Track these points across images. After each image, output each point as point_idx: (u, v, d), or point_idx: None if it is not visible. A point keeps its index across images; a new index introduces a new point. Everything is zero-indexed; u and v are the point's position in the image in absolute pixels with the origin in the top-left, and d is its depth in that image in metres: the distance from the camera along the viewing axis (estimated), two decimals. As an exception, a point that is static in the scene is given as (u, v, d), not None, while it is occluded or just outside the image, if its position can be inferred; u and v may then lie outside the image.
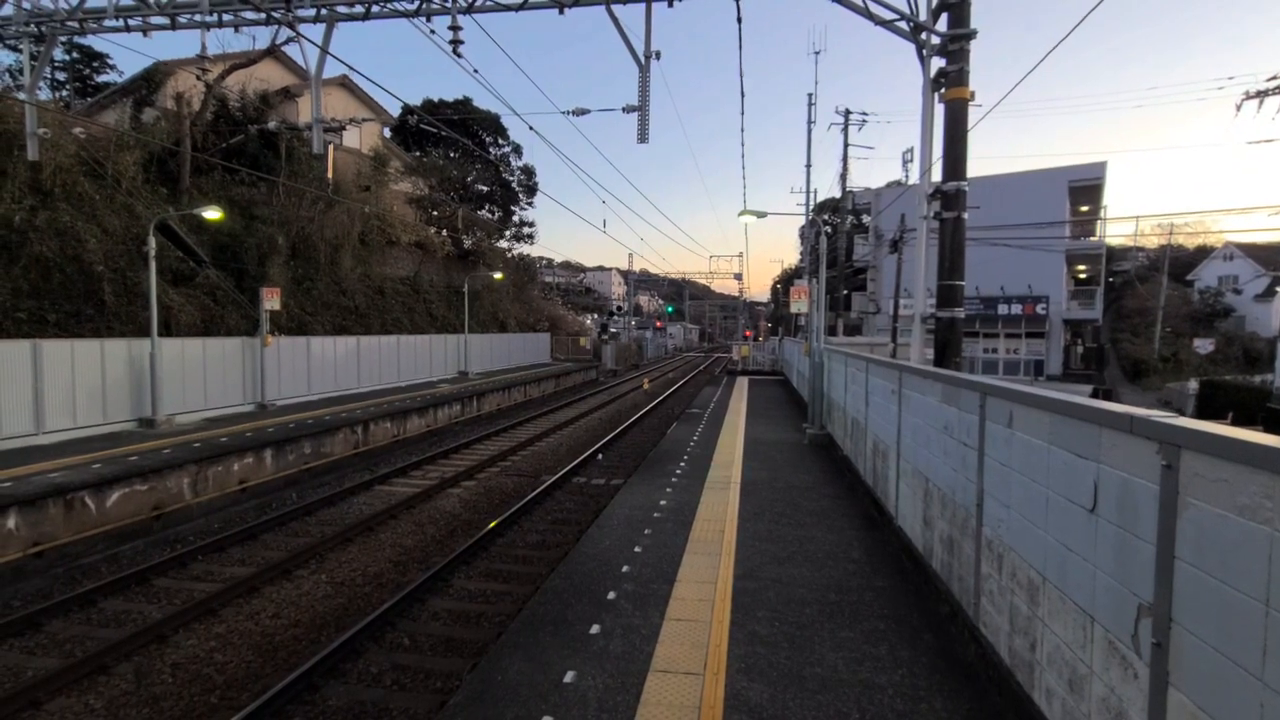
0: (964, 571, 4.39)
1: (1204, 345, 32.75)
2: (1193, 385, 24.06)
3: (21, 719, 5.08)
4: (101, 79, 25.85)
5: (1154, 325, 36.74)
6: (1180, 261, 47.65)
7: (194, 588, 7.49)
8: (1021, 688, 3.45)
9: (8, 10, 10.97)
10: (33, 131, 12.11)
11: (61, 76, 24.72)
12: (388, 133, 30.95)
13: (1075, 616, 2.90)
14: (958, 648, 4.40)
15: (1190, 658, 2.16)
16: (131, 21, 10.51)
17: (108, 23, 10.57)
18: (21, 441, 10.60)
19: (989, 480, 3.97)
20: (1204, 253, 51.17)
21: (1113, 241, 41.58)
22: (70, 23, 10.76)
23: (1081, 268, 36.45)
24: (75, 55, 25.00)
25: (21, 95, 12.80)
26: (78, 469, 9.19)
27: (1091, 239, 34.32)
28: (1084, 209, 34.64)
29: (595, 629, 4.68)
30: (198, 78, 17.09)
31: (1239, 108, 18.84)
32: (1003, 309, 31.72)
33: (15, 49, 12.77)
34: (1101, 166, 31.57)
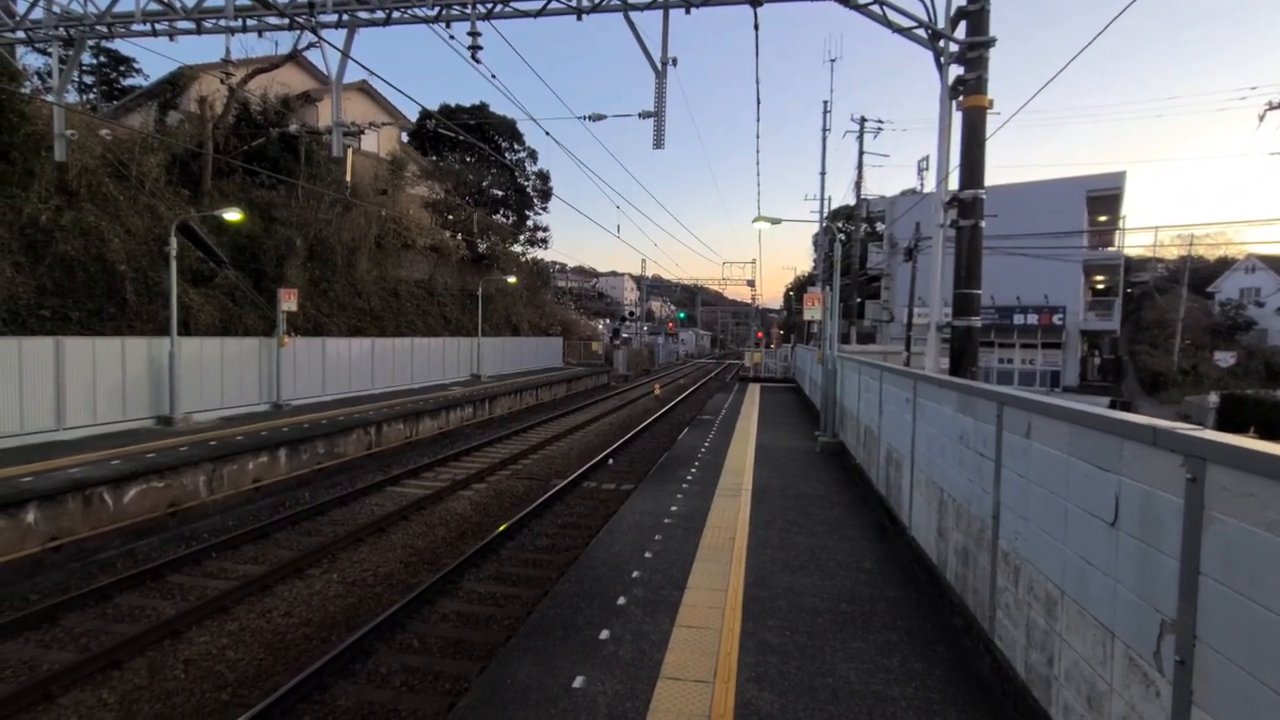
0: (979, 584, 4.33)
1: (1225, 358, 32.22)
2: (1213, 399, 23.65)
3: (36, 712, 5.14)
4: (127, 82, 26.35)
5: (1173, 337, 36.21)
6: (1200, 273, 46.93)
7: (208, 585, 7.55)
8: (1038, 703, 3.39)
9: (38, 14, 11.22)
10: (60, 133, 12.37)
11: (89, 80, 25.22)
12: (405, 137, 31.28)
13: (1095, 631, 2.84)
14: (972, 661, 4.34)
15: (1216, 676, 2.11)
16: (158, 26, 10.71)
17: (135, 27, 10.78)
18: (43, 437, 10.77)
19: (1006, 492, 3.92)
20: (1225, 264, 50.36)
21: (1131, 252, 41.10)
22: (99, 27, 10.98)
23: (1099, 278, 36.02)
24: (103, 59, 25.50)
25: (50, 98, 13.07)
26: (97, 465, 9.32)
27: (1110, 249, 33.92)
28: (1102, 219, 34.26)
29: (605, 634, 4.66)
30: (221, 81, 17.42)
31: (1262, 118, 18.64)
32: (1019, 319, 31.40)
33: (45, 52, 13.07)
34: (1120, 176, 31.23)
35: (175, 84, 20.04)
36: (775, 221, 16.56)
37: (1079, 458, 3.03)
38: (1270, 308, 42.77)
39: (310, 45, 17.18)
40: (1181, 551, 2.28)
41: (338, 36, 10.38)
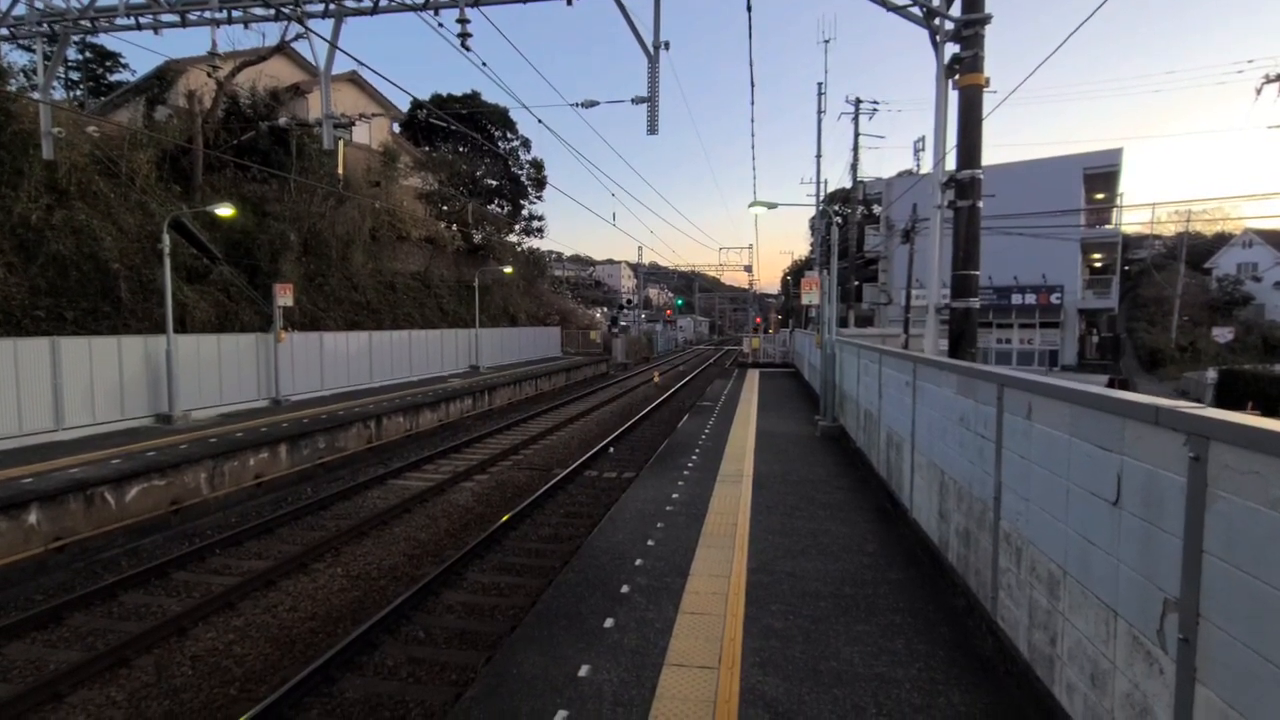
0: (981, 565, 4.35)
1: (1223, 334, 32.29)
2: (1211, 374, 23.72)
3: (44, 711, 5.16)
4: (114, 78, 26.04)
5: (1171, 314, 36.23)
6: (1198, 249, 46.83)
7: (212, 581, 7.57)
8: (1041, 682, 3.41)
9: (21, 10, 11.06)
10: (48, 131, 12.23)
11: (75, 76, 24.92)
12: (397, 128, 30.98)
13: (1098, 611, 2.85)
14: (975, 641, 4.36)
15: (1219, 654, 2.11)
16: (143, 19, 10.56)
17: (119, 21, 10.63)
18: (42, 438, 10.75)
19: (1007, 473, 3.92)
20: (1222, 240, 50.24)
21: (1129, 229, 41.08)
22: (82, 21, 10.83)
23: (1097, 256, 35.96)
24: (88, 54, 25.18)
25: (36, 95, 12.91)
26: (97, 464, 9.31)
27: (1107, 227, 33.85)
28: (1099, 196, 34.14)
29: (609, 622, 4.68)
30: (209, 75, 17.21)
31: (1259, 91, 18.49)
32: (1017, 299, 31.38)
33: (29, 49, 12.88)
34: (1117, 153, 31.09)
35: (162, 78, 19.80)
36: (771, 206, 16.47)
37: (1080, 438, 3.02)
38: (1268, 282, 42.74)
39: (298, 36, 16.98)
40: (1184, 530, 2.28)
41: (325, 27, 10.25)
